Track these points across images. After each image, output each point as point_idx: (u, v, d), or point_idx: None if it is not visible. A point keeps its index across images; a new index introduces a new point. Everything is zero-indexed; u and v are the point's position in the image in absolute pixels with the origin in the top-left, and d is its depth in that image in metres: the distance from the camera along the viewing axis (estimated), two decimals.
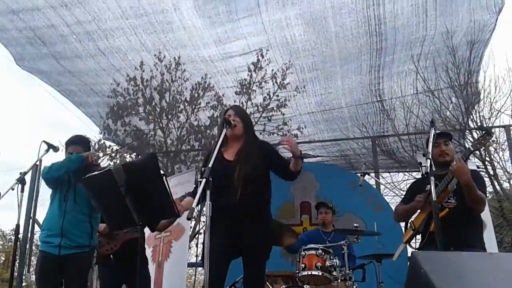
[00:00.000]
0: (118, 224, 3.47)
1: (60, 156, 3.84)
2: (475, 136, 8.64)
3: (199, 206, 2.73)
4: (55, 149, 3.84)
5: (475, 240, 3.16)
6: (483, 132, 3.00)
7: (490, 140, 2.96)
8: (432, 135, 2.85)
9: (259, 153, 3.11)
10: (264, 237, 3.07)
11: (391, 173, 9.33)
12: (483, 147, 2.94)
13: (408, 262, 3.28)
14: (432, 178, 2.65)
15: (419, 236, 3.38)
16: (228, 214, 2.95)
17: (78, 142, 3.84)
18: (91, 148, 4.00)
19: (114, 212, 3.31)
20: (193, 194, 3.11)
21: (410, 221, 3.48)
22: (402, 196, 3.85)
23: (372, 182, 6.50)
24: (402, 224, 3.80)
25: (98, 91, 7.52)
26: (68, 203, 3.59)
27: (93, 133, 10.03)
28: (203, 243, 2.74)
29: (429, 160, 2.62)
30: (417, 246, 3.40)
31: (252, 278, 3.05)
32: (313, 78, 6.93)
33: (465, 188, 2.98)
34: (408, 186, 3.94)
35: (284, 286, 4.27)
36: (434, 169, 2.76)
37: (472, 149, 2.94)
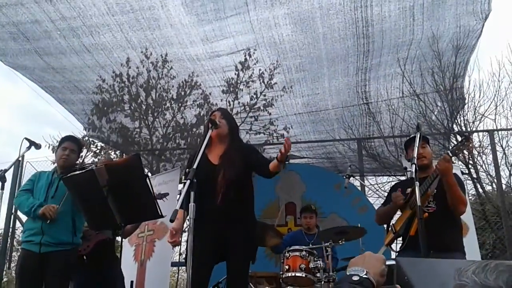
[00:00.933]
0: (98, 224, 3.44)
1: (42, 153, 3.84)
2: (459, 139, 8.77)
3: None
4: (37, 146, 3.81)
5: (456, 244, 3.19)
6: (462, 138, 3.05)
7: (469, 146, 2.99)
8: (418, 139, 2.86)
9: (242, 157, 3.13)
10: (248, 239, 3.09)
11: (375, 176, 9.41)
12: (461, 152, 2.99)
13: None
14: (417, 183, 2.65)
15: (400, 239, 3.40)
16: (212, 217, 2.98)
17: (74, 141, 3.91)
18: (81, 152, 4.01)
19: (95, 212, 3.28)
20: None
21: (391, 224, 3.52)
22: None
23: (357, 184, 6.53)
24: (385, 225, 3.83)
25: (83, 88, 7.40)
26: (49, 201, 3.58)
27: (77, 130, 9.91)
28: (187, 241, 2.75)
29: (414, 165, 2.63)
30: (398, 249, 3.44)
31: (235, 280, 3.05)
32: (300, 79, 6.93)
33: (448, 188, 3.03)
34: (388, 192, 3.96)
35: (268, 287, 4.25)
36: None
37: (450, 155, 2.97)
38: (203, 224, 2.89)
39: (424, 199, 3.05)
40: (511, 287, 0.90)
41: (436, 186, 3.10)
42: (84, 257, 3.88)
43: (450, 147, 2.95)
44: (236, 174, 3.02)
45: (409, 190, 3.28)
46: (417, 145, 2.82)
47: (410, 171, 2.70)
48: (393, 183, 9.06)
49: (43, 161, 10.37)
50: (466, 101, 8.03)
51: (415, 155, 2.71)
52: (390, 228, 3.53)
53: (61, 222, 3.55)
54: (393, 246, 3.56)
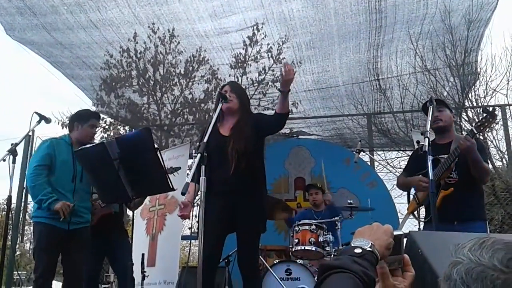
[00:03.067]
0: (110, 197, 3.47)
1: (51, 128, 3.84)
2: (470, 115, 8.67)
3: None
4: (47, 120, 3.81)
5: (478, 213, 3.20)
6: (486, 114, 2.96)
7: (494, 122, 2.94)
8: (431, 112, 2.82)
9: (253, 128, 3.13)
10: (258, 211, 3.11)
11: (384, 151, 9.38)
12: (486, 129, 2.95)
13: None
14: (430, 157, 2.63)
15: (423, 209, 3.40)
16: (223, 188, 2.99)
17: (100, 119, 4.01)
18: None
19: (107, 186, 3.30)
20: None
21: (414, 193, 3.49)
22: (397, 173, 3.89)
23: (366, 159, 6.52)
24: (395, 200, 3.85)
25: (91, 64, 7.37)
26: (77, 183, 3.62)
27: (86, 105, 9.91)
28: (198, 216, 2.78)
29: (427, 139, 2.60)
30: (423, 220, 3.43)
31: (246, 252, 3.09)
32: (310, 56, 6.80)
33: (473, 164, 3.01)
34: (409, 157, 3.93)
35: (277, 260, 4.30)
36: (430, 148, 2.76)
37: (475, 131, 2.92)
38: (214, 195, 2.90)
39: (446, 173, 3.03)
40: (506, 266, 0.87)
41: (457, 155, 3.04)
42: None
43: (474, 124, 2.90)
44: (246, 145, 3.03)
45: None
46: (429, 119, 2.79)
47: (422, 144, 2.67)
48: (403, 159, 9.06)
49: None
50: (479, 76, 7.90)
51: (428, 129, 2.68)
52: (413, 197, 3.50)
53: (86, 202, 3.71)
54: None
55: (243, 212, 3.04)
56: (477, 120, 3.14)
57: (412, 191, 3.53)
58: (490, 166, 9.55)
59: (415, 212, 3.58)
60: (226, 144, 3.05)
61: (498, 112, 8.41)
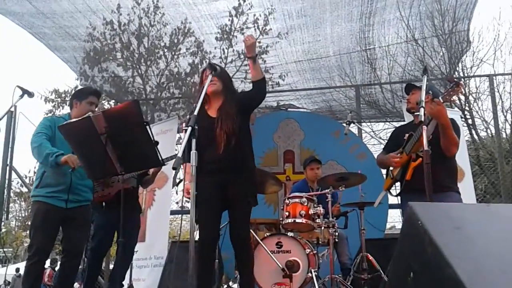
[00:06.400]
0: (98, 173, 3.39)
1: (34, 102, 3.70)
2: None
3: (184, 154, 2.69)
4: (30, 94, 3.68)
5: (449, 184, 3.26)
6: (452, 83, 3.01)
7: (459, 91, 2.96)
8: (425, 82, 2.80)
9: (238, 107, 3.20)
10: (249, 185, 3.17)
11: (372, 122, 9.41)
12: (452, 97, 2.98)
13: (403, 213, 3.35)
14: (425, 127, 2.62)
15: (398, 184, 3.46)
16: (213, 167, 3.06)
17: (99, 96, 3.83)
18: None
19: (95, 161, 3.22)
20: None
21: (390, 169, 3.57)
22: (384, 144, 3.92)
23: (354, 130, 6.50)
24: (383, 171, 3.88)
25: (74, 35, 7.15)
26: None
27: (70, 79, 9.71)
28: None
29: (422, 109, 2.58)
30: (396, 194, 3.51)
31: (238, 226, 3.12)
32: (301, 25, 6.67)
33: (442, 129, 3.06)
34: (389, 136, 4.00)
35: (268, 233, 4.30)
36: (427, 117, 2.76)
37: (442, 101, 2.96)
38: (205, 174, 2.97)
39: (418, 145, 3.06)
40: None
41: (432, 132, 3.11)
42: (103, 204, 3.88)
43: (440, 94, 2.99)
44: (233, 125, 3.11)
45: (406, 135, 3.31)
46: (424, 88, 2.76)
47: (418, 114, 2.66)
48: (389, 130, 9.10)
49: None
50: (467, 45, 7.88)
51: (423, 98, 2.65)
52: (388, 174, 3.60)
53: (85, 180, 3.57)
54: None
55: (234, 187, 3.10)
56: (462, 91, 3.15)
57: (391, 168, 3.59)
58: (475, 136, 9.68)
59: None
60: (214, 126, 3.12)
61: (483, 83, 8.47)
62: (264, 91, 3.27)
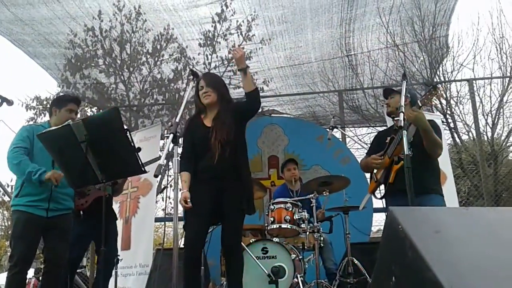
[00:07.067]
0: (79, 181, 3.35)
1: (15, 110, 3.63)
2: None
3: (166, 160, 2.69)
4: (9, 102, 3.59)
5: (433, 186, 3.31)
6: (429, 87, 3.09)
7: (437, 94, 3.03)
8: (404, 88, 2.83)
9: (233, 117, 3.24)
10: (244, 193, 3.19)
11: (355, 127, 9.47)
12: (430, 101, 3.05)
13: (385, 218, 3.37)
14: (405, 132, 2.65)
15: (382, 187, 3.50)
16: (208, 175, 3.11)
17: (78, 103, 3.77)
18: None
19: (75, 169, 3.19)
20: (181, 159, 3.12)
21: (373, 173, 3.62)
22: (367, 149, 3.97)
23: (338, 135, 6.54)
24: (368, 175, 3.92)
25: (54, 42, 7.05)
26: (55, 168, 3.42)
27: (52, 86, 9.59)
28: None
29: (401, 114, 2.61)
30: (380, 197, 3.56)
31: (231, 232, 3.15)
32: (282, 31, 6.70)
33: (424, 133, 3.12)
34: (372, 140, 4.05)
35: (253, 239, 4.29)
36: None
37: (420, 105, 3.02)
38: (199, 182, 3.06)
39: (400, 148, 3.10)
40: None
41: (414, 134, 3.17)
42: (81, 213, 3.84)
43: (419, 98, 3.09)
44: (228, 134, 3.14)
45: (388, 139, 3.35)
46: (403, 93, 2.79)
47: (398, 119, 2.69)
48: (373, 135, 9.17)
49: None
50: (447, 51, 8.00)
51: (402, 103, 2.69)
52: (372, 177, 3.65)
53: (67, 189, 3.53)
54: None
55: (228, 194, 3.13)
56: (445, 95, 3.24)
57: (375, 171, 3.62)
58: (457, 140, 9.80)
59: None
60: (209, 135, 3.16)
61: (464, 87, 8.60)
62: (258, 101, 3.30)
